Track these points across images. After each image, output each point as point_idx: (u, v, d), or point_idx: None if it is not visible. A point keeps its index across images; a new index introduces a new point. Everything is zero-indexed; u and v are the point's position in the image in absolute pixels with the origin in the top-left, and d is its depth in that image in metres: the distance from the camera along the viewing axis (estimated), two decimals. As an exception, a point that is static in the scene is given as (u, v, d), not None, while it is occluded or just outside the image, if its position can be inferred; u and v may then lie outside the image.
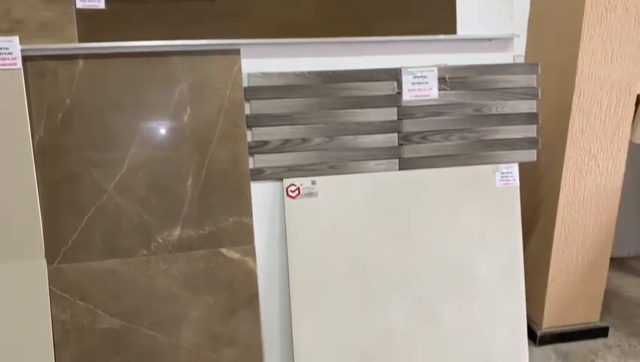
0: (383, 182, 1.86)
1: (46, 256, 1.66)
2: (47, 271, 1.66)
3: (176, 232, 1.74)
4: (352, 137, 1.83)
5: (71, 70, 1.63)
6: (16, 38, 1.56)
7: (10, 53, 1.56)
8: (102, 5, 1.63)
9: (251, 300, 1.80)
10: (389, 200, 1.86)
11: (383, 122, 1.84)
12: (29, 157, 1.61)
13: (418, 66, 1.84)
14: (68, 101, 1.64)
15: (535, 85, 1.92)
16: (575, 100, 2.06)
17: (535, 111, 1.94)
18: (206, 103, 1.72)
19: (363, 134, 1.83)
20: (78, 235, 1.68)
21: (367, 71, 1.81)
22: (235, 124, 1.75)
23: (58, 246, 1.67)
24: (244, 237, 1.79)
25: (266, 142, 1.79)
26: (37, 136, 1.63)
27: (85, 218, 1.68)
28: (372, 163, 1.85)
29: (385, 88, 1.83)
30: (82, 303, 1.69)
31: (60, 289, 1.67)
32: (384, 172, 1.86)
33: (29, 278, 1.65)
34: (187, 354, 1.76)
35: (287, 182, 1.81)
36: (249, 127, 1.77)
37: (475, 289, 1.94)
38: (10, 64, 1.56)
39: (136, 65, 1.67)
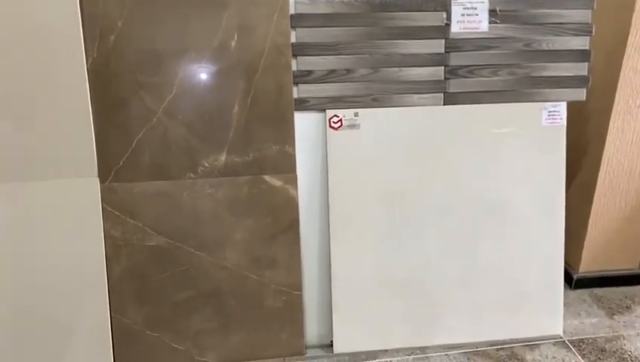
0: (427, 116, 1.85)
1: (99, 175, 1.74)
2: (99, 189, 1.74)
3: (222, 158, 1.79)
4: (396, 69, 1.81)
5: (122, -5, 1.66)
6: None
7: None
8: None
9: (292, 226, 1.86)
10: (431, 135, 1.86)
11: (430, 54, 1.81)
12: (83, 79, 1.67)
13: (468, -3, 1.79)
14: (119, 24, 1.67)
15: (589, 21, 1.85)
16: (630, 38, 1.98)
17: (587, 48, 1.87)
18: (253, 30, 1.73)
19: (408, 66, 1.81)
20: (129, 156, 1.75)
21: (415, 0, 1.77)
22: (280, 52, 1.76)
23: (110, 166, 1.74)
24: (286, 165, 1.83)
25: (310, 72, 1.79)
26: (90, 59, 1.68)
27: (135, 139, 1.74)
28: (416, 96, 1.84)
29: (433, 19, 1.79)
30: (132, 221, 1.78)
31: (112, 207, 1.76)
32: (428, 106, 1.85)
33: (84, 195, 1.74)
34: (229, 273, 1.84)
35: (330, 113, 1.82)
36: (294, 55, 1.77)
37: (514, 227, 1.95)
38: (65, -15, 1.60)
39: (185, -11, 1.68)
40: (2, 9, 1.58)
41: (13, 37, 1.60)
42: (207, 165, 1.79)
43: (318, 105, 1.82)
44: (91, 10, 1.65)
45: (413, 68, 1.82)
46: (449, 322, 1.98)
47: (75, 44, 1.64)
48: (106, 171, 1.74)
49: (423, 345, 1.97)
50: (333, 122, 1.83)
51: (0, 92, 1.62)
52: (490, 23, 1.81)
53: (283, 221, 1.85)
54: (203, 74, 1.74)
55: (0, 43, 1.59)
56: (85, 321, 1.78)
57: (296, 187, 1.85)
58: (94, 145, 1.71)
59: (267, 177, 1.82)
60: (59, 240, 1.74)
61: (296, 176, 1.84)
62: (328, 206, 1.87)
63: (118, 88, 1.71)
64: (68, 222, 1.74)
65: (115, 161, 1.74)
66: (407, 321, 1.95)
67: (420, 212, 1.89)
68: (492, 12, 1.81)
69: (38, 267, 1.74)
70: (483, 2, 1.80)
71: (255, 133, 1.80)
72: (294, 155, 1.83)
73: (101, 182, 1.74)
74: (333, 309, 1.90)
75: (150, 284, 1.80)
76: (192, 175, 1.79)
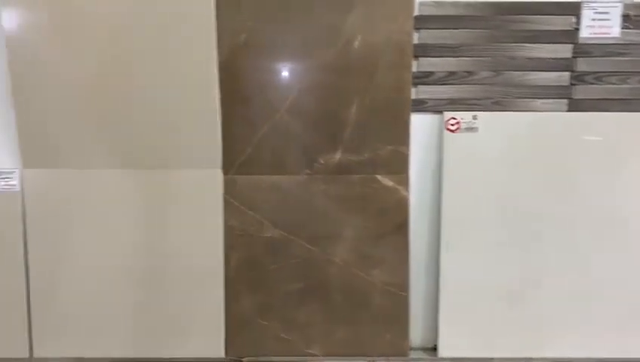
0: (549, 123, 1.80)
1: (222, 167, 1.83)
2: (222, 181, 1.83)
3: (337, 155, 1.83)
4: (519, 73, 1.78)
5: (251, -5, 1.74)
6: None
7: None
8: None
9: (401, 227, 1.87)
10: (552, 142, 1.80)
11: (555, 59, 1.77)
12: (214, 74, 1.76)
13: (601, 0, 1.72)
14: (249, 23, 1.75)
15: None
16: None
17: None
18: (376, 30, 1.76)
19: (532, 70, 1.77)
20: (252, 150, 1.82)
21: (544, 3, 1.73)
22: (402, 52, 1.77)
23: (233, 159, 1.83)
24: (399, 166, 1.84)
25: (430, 73, 1.80)
26: (221, 56, 1.77)
27: (259, 135, 1.82)
28: (539, 101, 1.79)
29: (561, 23, 1.74)
30: (251, 212, 1.85)
31: (233, 198, 1.85)
32: (551, 112, 1.80)
33: (207, 185, 1.83)
34: (338, 269, 1.88)
35: (447, 115, 1.81)
36: (415, 56, 1.78)
37: (631, 242, 1.86)
38: (204, -14, 1.69)
39: (314, -9, 1.74)
40: (143, 8, 1.71)
41: (153, 31, 1.72)
42: (322, 162, 1.83)
43: (436, 107, 1.82)
44: (226, 9, 1.73)
45: (538, 72, 1.77)
46: (558, 335, 1.91)
47: (208, 41, 1.73)
48: (229, 163, 1.83)
49: (530, 356, 1.91)
50: (451, 124, 1.82)
51: (136, 84, 1.75)
52: (622, 28, 1.74)
53: (393, 221, 1.87)
54: (325, 73, 1.78)
55: (141, 37, 1.72)
56: (201, 306, 1.87)
57: (408, 187, 1.85)
58: (220, 139, 1.81)
59: (379, 177, 1.84)
60: (182, 226, 1.84)
61: (408, 177, 1.85)
62: (440, 209, 1.86)
63: (245, 85, 1.79)
64: (191, 209, 1.84)
65: (239, 155, 1.83)
66: (515, 331, 1.90)
67: (536, 221, 1.84)
68: (625, 17, 1.73)
69: (161, 250, 1.85)
70: (616, 7, 1.72)
71: (370, 132, 1.82)
72: (408, 156, 1.84)
73: (224, 173, 1.83)
74: (439, 313, 1.89)
75: (264, 274, 1.87)
76: (308, 171, 1.84)
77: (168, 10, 1.70)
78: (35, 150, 1.78)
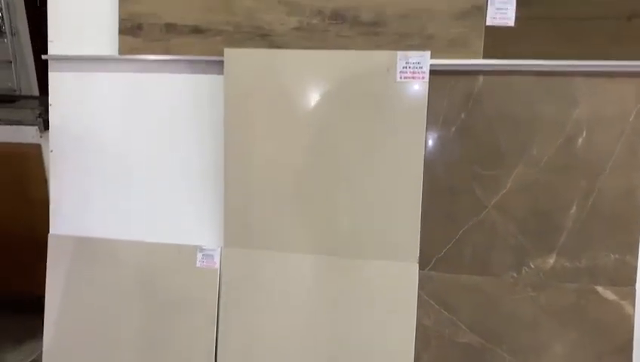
0: None
1: (419, 261, 1.73)
2: (418, 275, 1.73)
3: (551, 260, 1.65)
4: None
5: (470, 85, 1.67)
6: (428, 54, 1.65)
7: (421, 68, 1.66)
8: (511, 23, 1.62)
9: (624, 348, 1.62)
10: None
11: None
12: (419, 165, 1.69)
13: None
14: (462, 115, 1.68)
15: None
16: None
17: None
18: (604, 128, 1.60)
19: None
20: (452, 247, 1.71)
21: None
22: (634, 153, 1.59)
23: (431, 254, 1.73)
24: (624, 278, 1.62)
25: (668, 177, 1.58)
26: (428, 146, 1.71)
27: (461, 231, 1.71)
28: None
29: None
30: (446, 313, 1.72)
31: (427, 295, 1.73)
32: None
33: (402, 279, 1.74)
34: (544, 389, 1.67)
35: (687, 224, 1.58)
36: (650, 158, 1.59)
37: None
38: (421, 77, 1.66)
39: (537, 84, 1.63)
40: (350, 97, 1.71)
41: (360, 119, 1.71)
42: (532, 266, 1.67)
43: (672, 215, 1.60)
44: (437, 100, 1.68)
45: None
46: None
47: (418, 133, 1.68)
48: (426, 258, 1.73)
49: None
50: (691, 236, 1.57)
51: (339, 172, 1.73)
52: None
53: (613, 341, 1.63)
54: (542, 170, 1.64)
55: (347, 126, 1.72)
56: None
57: (634, 304, 1.61)
58: (419, 232, 1.72)
59: (600, 288, 1.63)
60: (373, 317, 1.75)
61: (635, 291, 1.61)
62: (673, 332, 1.60)
63: (450, 177, 1.70)
64: (383, 302, 1.75)
65: (438, 250, 1.72)
66: None
67: None
68: None
69: (348, 341, 1.77)
70: None
71: (592, 238, 1.63)
72: (636, 268, 1.61)
73: (420, 268, 1.73)
74: None
75: (457, 383, 1.72)
76: (514, 274, 1.68)
77: (382, 107, 1.69)
78: (238, 230, 1.82)
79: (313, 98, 1.73)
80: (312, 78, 1.73)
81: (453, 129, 1.69)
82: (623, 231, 1.61)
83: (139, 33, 1.84)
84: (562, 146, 1.62)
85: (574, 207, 1.63)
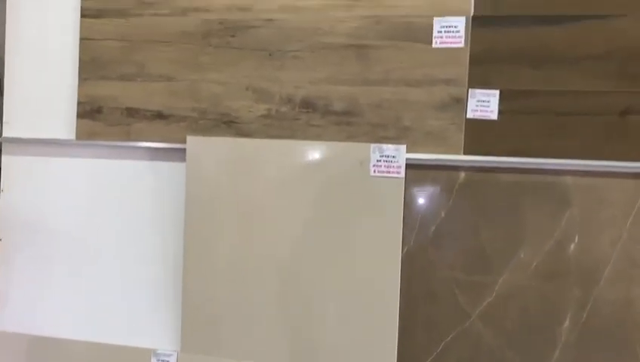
0: None
1: (397, 375, 1.55)
2: (395, 391, 1.55)
3: (543, 380, 1.47)
4: None
5: (451, 181, 1.53)
6: (404, 147, 1.52)
7: (396, 162, 1.53)
8: (494, 116, 1.50)
9: None
10: None
11: None
12: (396, 269, 1.54)
13: None
14: (443, 214, 1.53)
15: None
16: None
17: None
18: (599, 233, 1.44)
19: None
20: (433, 360, 1.53)
21: None
22: (632, 262, 1.43)
23: (410, 367, 1.55)
24: (626, 402, 1.43)
25: (672, 290, 1.42)
26: (406, 248, 1.55)
27: (443, 342, 1.53)
28: None
29: None
30: None
31: (407, 415, 1.54)
32: None
33: (377, 394, 1.56)
34: None
35: (696, 344, 1.40)
36: (651, 268, 1.43)
37: None
38: (395, 172, 1.53)
39: (523, 183, 1.49)
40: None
41: (336, 222, 1.56)
42: (523, 385, 1.48)
43: (678, 333, 1.42)
44: (415, 196, 1.54)
45: None
46: None
47: (393, 233, 1.53)
48: (404, 372, 1.55)
49: None
50: (701, 358, 1.39)
51: (308, 277, 1.58)
52: None
53: None
54: (531, 278, 1.48)
55: (321, 228, 1.57)
56: None
57: None
58: (396, 341, 1.54)
59: (599, 414, 1.44)
60: None
61: (641, 418, 1.42)
62: None
63: (430, 282, 1.54)
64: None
65: (417, 363, 1.55)
66: None
67: None
68: None
69: None
70: None
71: (589, 355, 1.45)
72: (639, 391, 1.43)
73: (398, 383, 1.55)
74: None
75: None
76: (503, 393, 1.49)
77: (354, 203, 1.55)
78: (196, 331, 1.65)
79: (281, 190, 1.59)
80: (279, 169, 1.60)
81: (433, 228, 1.54)
82: (622, 349, 1.43)
83: (98, 117, 1.72)
84: (552, 251, 1.47)
85: (568, 320, 1.46)
